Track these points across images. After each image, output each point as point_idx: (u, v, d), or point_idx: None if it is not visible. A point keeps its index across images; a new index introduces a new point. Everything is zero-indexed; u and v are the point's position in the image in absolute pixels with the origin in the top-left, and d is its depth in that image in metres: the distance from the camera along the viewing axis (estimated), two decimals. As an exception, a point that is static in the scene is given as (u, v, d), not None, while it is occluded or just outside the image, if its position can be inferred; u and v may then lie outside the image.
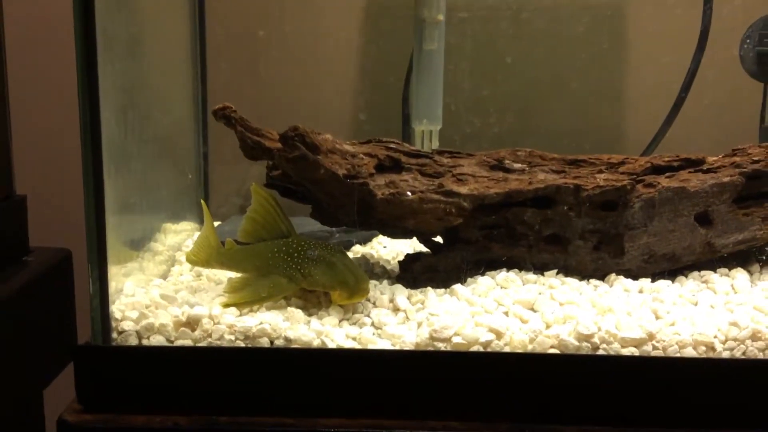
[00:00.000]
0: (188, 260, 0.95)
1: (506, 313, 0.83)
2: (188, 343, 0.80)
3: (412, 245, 1.05)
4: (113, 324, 0.79)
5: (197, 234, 1.17)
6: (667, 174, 0.90)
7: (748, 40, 1.12)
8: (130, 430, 0.77)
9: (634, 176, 0.90)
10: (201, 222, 1.21)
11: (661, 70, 1.21)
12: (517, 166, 0.92)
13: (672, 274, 0.90)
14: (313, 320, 0.82)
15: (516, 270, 0.90)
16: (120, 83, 0.85)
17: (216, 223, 1.23)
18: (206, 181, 1.22)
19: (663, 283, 0.88)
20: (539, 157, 0.94)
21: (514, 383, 0.77)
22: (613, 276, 0.89)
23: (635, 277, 0.89)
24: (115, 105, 0.83)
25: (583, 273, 0.89)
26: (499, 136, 1.19)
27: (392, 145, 0.91)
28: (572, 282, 0.89)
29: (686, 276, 0.90)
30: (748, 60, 1.12)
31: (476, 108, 1.20)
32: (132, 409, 0.78)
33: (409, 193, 0.86)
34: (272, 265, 0.86)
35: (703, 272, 0.90)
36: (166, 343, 0.79)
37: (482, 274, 0.90)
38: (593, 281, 0.89)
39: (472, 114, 1.20)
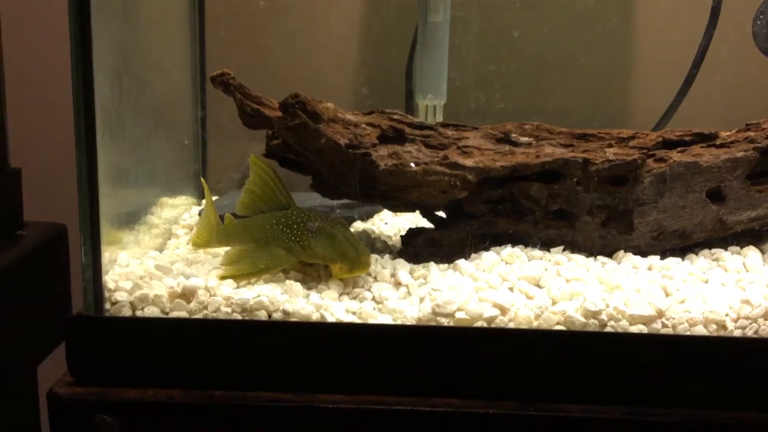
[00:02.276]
0: (194, 244, 0.93)
1: (511, 289, 0.81)
2: (183, 314, 0.77)
3: (414, 221, 1.03)
4: (106, 295, 0.77)
5: (195, 208, 1.15)
6: (678, 149, 0.88)
7: (761, 17, 1.09)
8: (122, 404, 0.75)
9: (645, 150, 0.87)
10: (199, 197, 1.19)
11: (671, 46, 1.18)
12: (524, 139, 0.90)
13: (682, 251, 0.88)
14: (313, 294, 0.80)
15: (521, 246, 0.88)
16: (114, 46, 0.83)
17: (213, 197, 1.20)
18: (204, 155, 1.19)
19: (673, 261, 0.85)
20: (546, 131, 0.91)
21: (519, 360, 0.75)
22: (621, 253, 0.86)
23: (644, 255, 0.86)
24: (109, 69, 0.80)
25: (591, 250, 0.87)
26: (504, 112, 1.15)
27: (396, 116, 0.88)
28: (579, 258, 0.86)
29: (696, 254, 0.88)
30: (761, 37, 1.09)
31: (482, 83, 1.17)
32: (125, 381, 0.76)
33: (412, 165, 0.83)
34: (271, 238, 0.84)
35: (713, 250, 0.88)
36: (160, 315, 0.77)
37: (486, 250, 0.88)
38: (601, 258, 0.86)
39: (477, 89, 1.17)
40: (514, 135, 0.90)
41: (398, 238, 0.95)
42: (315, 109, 0.81)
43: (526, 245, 0.88)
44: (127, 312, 0.77)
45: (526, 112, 1.18)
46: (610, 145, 0.88)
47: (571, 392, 0.74)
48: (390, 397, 0.75)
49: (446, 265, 0.86)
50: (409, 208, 0.88)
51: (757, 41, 1.09)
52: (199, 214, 1.07)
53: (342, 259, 0.80)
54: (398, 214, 1.10)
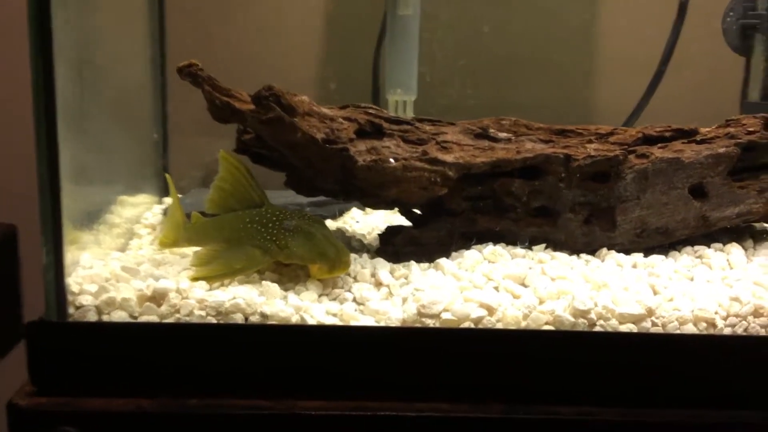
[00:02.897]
0: (161, 245, 0.88)
1: (496, 288, 0.78)
2: (154, 319, 0.73)
3: (388, 220, 1.00)
4: (70, 298, 0.72)
5: (157, 207, 1.10)
6: (659, 145, 0.86)
7: (731, 13, 1.09)
8: (88, 414, 0.70)
9: (625, 147, 0.85)
10: (161, 195, 1.14)
11: (639, 42, 1.17)
12: (503, 135, 0.87)
13: (663, 249, 0.86)
14: (290, 295, 0.76)
15: (503, 244, 0.85)
16: (74, 37, 0.78)
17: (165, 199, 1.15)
18: (166, 152, 1.14)
19: (657, 258, 0.84)
20: (524, 127, 0.89)
21: (508, 362, 0.72)
22: (604, 251, 0.85)
23: (627, 252, 0.85)
24: (69, 61, 0.75)
25: (573, 247, 0.85)
26: (475, 109, 1.13)
27: (371, 111, 0.85)
28: (562, 256, 0.84)
29: (679, 251, 0.86)
30: (731, 33, 1.09)
31: (452, 79, 1.15)
32: (91, 391, 0.71)
33: (392, 160, 0.80)
34: (244, 237, 0.80)
35: (696, 247, 0.86)
36: (129, 319, 0.73)
37: (467, 248, 0.85)
38: (584, 256, 0.85)
39: (448, 85, 1.14)
40: (492, 130, 0.88)
41: (373, 236, 0.92)
42: (290, 102, 0.77)
43: (507, 243, 0.85)
44: (92, 317, 0.72)
45: (496, 109, 1.16)
46: (590, 141, 0.86)
47: (562, 393, 0.72)
48: (374, 402, 0.72)
49: (427, 264, 0.83)
50: (389, 205, 0.84)
51: (727, 38, 1.09)
52: (163, 213, 1.02)
53: (321, 259, 0.77)
54: (369, 212, 1.07)
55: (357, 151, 0.79)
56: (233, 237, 0.81)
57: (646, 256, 0.84)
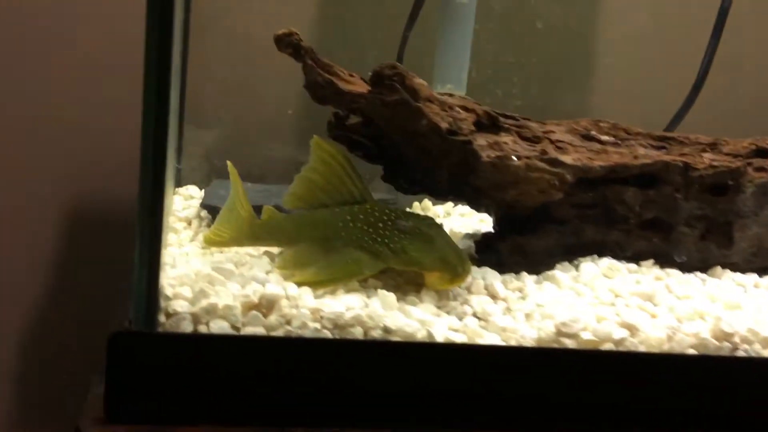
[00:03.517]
0: (208, 241, 0.75)
1: (627, 306, 0.71)
2: (260, 331, 0.61)
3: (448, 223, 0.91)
4: (162, 304, 0.59)
5: (176, 198, 0.96)
6: (773, 158, 0.81)
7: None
8: (179, 447, 0.58)
9: (740, 158, 0.80)
10: (175, 185, 1.01)
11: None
12: (605, 138, 0.80)
13: (771, 270, 0.81)
14: (407, 307, 0.66)
15: (608, 257, 0.78)
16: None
17: (187, 188, 1.02)
18: (180, 139, 1.00)
19: (775, 279, 0.79)
20: (623, 131, 0.82)
21: (653, 386, 0.65)
22: (719, 269, 0.79)
23: (741, 271, 0.79)
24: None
25: (685, 263, 0.78)
26: (520, 111, 1.06)
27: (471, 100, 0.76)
28: (675, 273, 0.77)
29: (791, 273, 0.82)
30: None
31: (500, 76, 1.07)
32: (180, 418, 0.59)
33: (514, 158, 0.71)
34: (345, 238, 0.69)
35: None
36: (230, 331, 0.60)
37: (570, 261, 0.77)
38: (699, 274, 0.78)
39: (494, 83, 1.06)
40: (594, 132, 0.80)
41: (464, 241, 0.82)
42: (413, 83, 0.67)
43: (613, 257, 0.78)
44: (187, 327, 0.60)
45: (544, 112, 1.09)
46: (704, 150, 0.80)
47: (711, 421, 0.65)
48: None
49: (537, 276, 0.75)
50: (501, 209, 0.75)
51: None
52: (204, 207, 0.89)
53: (443, 267, 0.67)
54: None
55: (479, 146, 0.70)
56: (327, 237, 0.69)
57: (760, 276, 0.79)
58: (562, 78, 1.10)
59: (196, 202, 0.93)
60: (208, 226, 0.84)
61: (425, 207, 1.05)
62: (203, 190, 0.97)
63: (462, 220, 1.01)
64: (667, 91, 1.08)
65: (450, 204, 1.06)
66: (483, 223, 0.99)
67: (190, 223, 0.86)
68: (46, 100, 1.00)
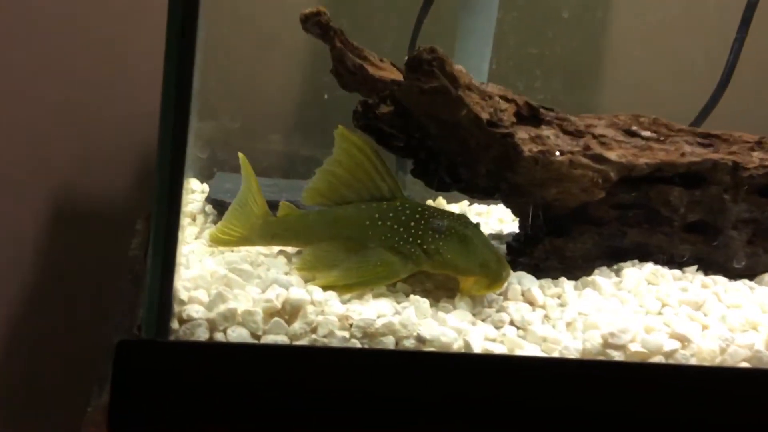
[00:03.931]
0: (215, 240, 0.69)
1: (676, 315, 0.65)
2: (283, 339, 0.55)
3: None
4: (176, 308, 0.53)
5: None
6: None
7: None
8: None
9: (790, 158, 0.75)
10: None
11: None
12: (646, 134, 0.75)
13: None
14: (441, 314, 0.60)
15: (651, 262, 0.72)
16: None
17: (188, 181, 0.95)
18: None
19: (826, 287, 0.74)
20: (665, 127, 0.77)
21: (705, 403, 0.60)
22: (767, 276, 0.74)
23: (788, 279, 0.74)
24: None
25: (733, 270, 0.73)
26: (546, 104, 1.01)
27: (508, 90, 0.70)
28: (722, 281, 0.72)
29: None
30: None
31: (521, 68, 1.01)
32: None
33: (557, 153, 0.65)
34: (372, 237, 0.63)
35: None
36: (251, 339, 0.54)
37: (609, 265, 0.72)
38: (746, 281, 0.73)
39: (515, 75, 1.01)
40: (635, 128, 0.75)
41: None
42: (452, 70, 0.61)
43: (657, 261, 0.73)
44: (203, 335, 0.54)
45: (566, 106, 1.04)
46: (752, 149, 0.75)
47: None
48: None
49: (576, 282, 0.69)
50: (538, 208, 0.69)
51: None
52: (210, 201, 0.83)
53: (482, 271, 0.61)
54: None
55: (521, 139, 0.64)
56: (354, 237, 0.64)
57: (809, 284, 0.74)
58: (585, 70, 1.04)
59: (198, 196, 0.87)
60: (215, 222, 0.78)
61: (439, 205, 1.00)
62: (204, 184, 0.90)
63: (479, 220, 0.95)
64: (695, 87, 1.03)
65: (465, 202, 1.01)
66: (504, 223, 0.94)
67: (194, 219, 0.80)
68: (29, 95, 0.93)
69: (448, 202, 1.01)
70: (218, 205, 0.80)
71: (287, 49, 1.02)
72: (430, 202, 1.00)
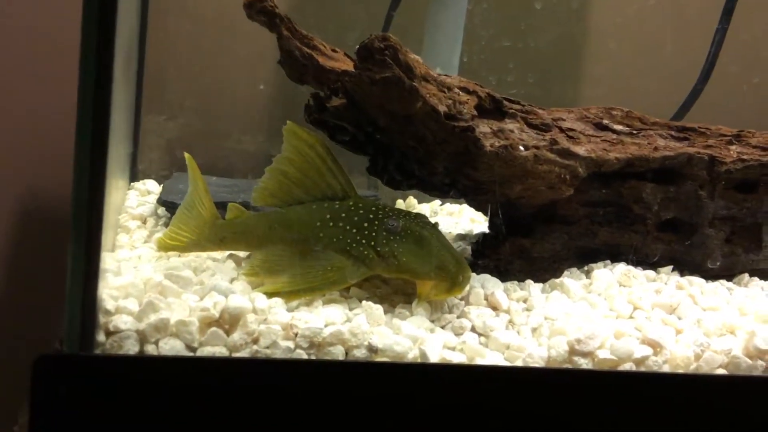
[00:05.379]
0: (162, 246, 0.65)
1: (648, 320, 0.61)
2: (221, 351, 0.51)
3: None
4: (102, 320, 0.49)
5: (132, 194, 0.86)
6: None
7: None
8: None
9: (768, 151, 0.71)
10: (130, 179, 0.90)
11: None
12: (618, 127, 0.71)
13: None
14: (396, 321, 0.56)
15: (623, 262, 0.69)
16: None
17: (145, 183, 0.91)
18: (137, 131, 0.89)
19: (805, 287, 0.70)
20: (638, 120, 0.73)
21: (679, 413, 0.56)
22: (746, 276, 0.70)
23: (766, 279, 0.70)
24: None
25: (709, 270, 0.69)
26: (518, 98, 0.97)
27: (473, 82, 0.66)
28: (698, 281, 0.68)
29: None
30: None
31: (493, 61, 0.97)
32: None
33: (521, 148, 0.61)
34: (324, 239, 0.59)
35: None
36: (186, 352, 0.50)
37: (578, 267, 0.68)
38: (724, 282, 0.69)
39: (487, 68, 0.97)
40: (606, 121, 0.71)
41: (456, 243, 0.73)
42: (407, 60, 0.57)
43: (629, 262, 0.69)
44: (132, 347, 0.49)
45: (540, 100, 1.00)
46: (730, 142, 0.71)
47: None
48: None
49: (544, 284, 0.65)
50: (502, 206, 0.65)
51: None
52: (162, 203, 0.78)
53: (440, 275, 0.57)
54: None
55: (482, 133, 0.60)
56: (306, 239, 0.59)
57: (789, 283, 0.70)
58: (560, 64, 1.00)
59: (154, 198, 0.83)
60: (166, 225, 0.74)
61: (410, 205, 0.96)
62: (162, 185, 0.86)
63: (451, 220, 0.92)
64: (673, 80, 1.00)
65: (437, 201, 0.97)
66: (475, 223, 0.90)
67: (145, 222, 0.76)
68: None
69: (420, 201, 0.97)
70: (170, 207, 0.76)
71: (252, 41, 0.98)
72: (400, 201, 0.96)
